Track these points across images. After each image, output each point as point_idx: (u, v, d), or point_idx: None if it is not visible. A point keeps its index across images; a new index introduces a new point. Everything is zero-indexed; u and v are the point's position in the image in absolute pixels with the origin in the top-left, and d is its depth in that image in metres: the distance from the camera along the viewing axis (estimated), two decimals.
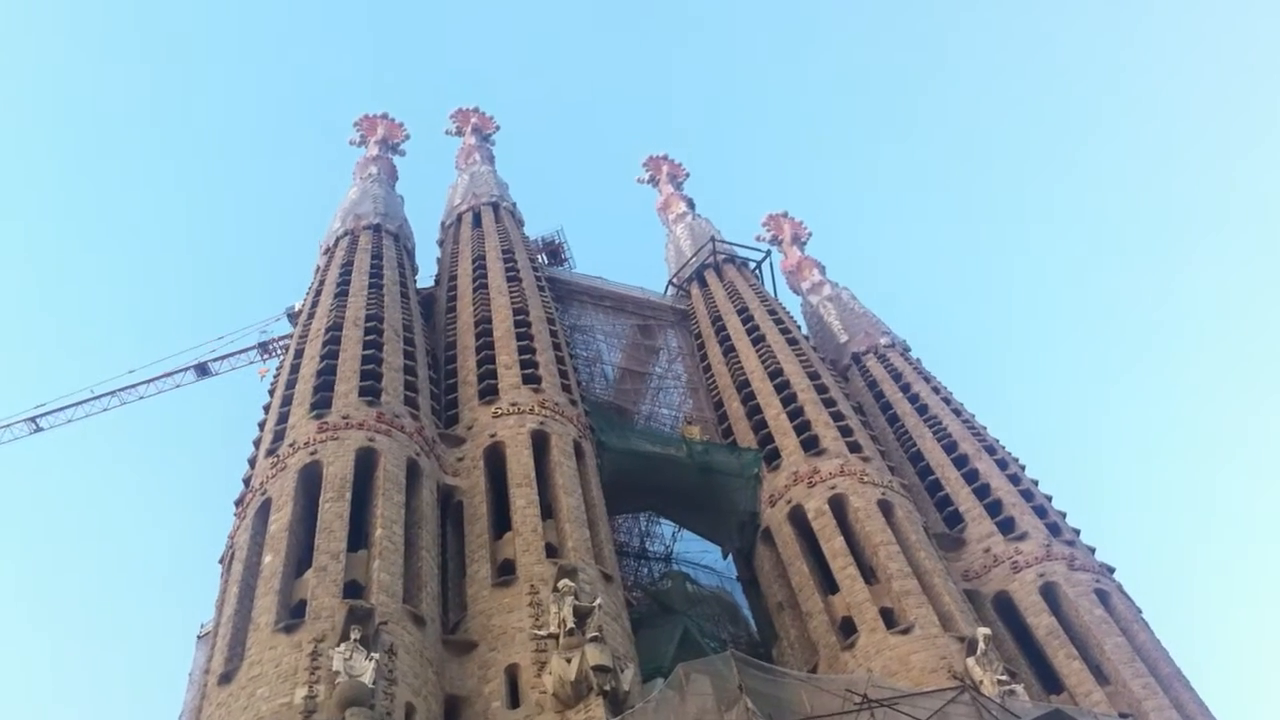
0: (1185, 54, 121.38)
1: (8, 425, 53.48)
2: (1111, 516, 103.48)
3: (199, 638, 34.66)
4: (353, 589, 25.26)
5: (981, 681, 26.49)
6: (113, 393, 53.68)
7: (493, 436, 32.44)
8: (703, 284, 49.50)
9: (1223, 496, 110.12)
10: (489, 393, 34.39)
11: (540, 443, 32.36)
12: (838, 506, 34.09)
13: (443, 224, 48.71)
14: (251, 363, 52.97)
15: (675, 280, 51.49)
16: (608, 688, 23.43)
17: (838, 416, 38.12)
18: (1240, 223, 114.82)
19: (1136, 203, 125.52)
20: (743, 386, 41.15)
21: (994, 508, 36.00)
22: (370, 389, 31.96)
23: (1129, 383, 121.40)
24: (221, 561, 29.26)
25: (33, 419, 53.46)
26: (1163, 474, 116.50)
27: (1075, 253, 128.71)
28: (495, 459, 31.87)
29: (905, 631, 29.44)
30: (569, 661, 23.95)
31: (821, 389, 39.60)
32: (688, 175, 61.53)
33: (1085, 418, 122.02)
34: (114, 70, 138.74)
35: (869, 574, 31.92)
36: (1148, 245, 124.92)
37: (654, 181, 61.11)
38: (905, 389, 43.08)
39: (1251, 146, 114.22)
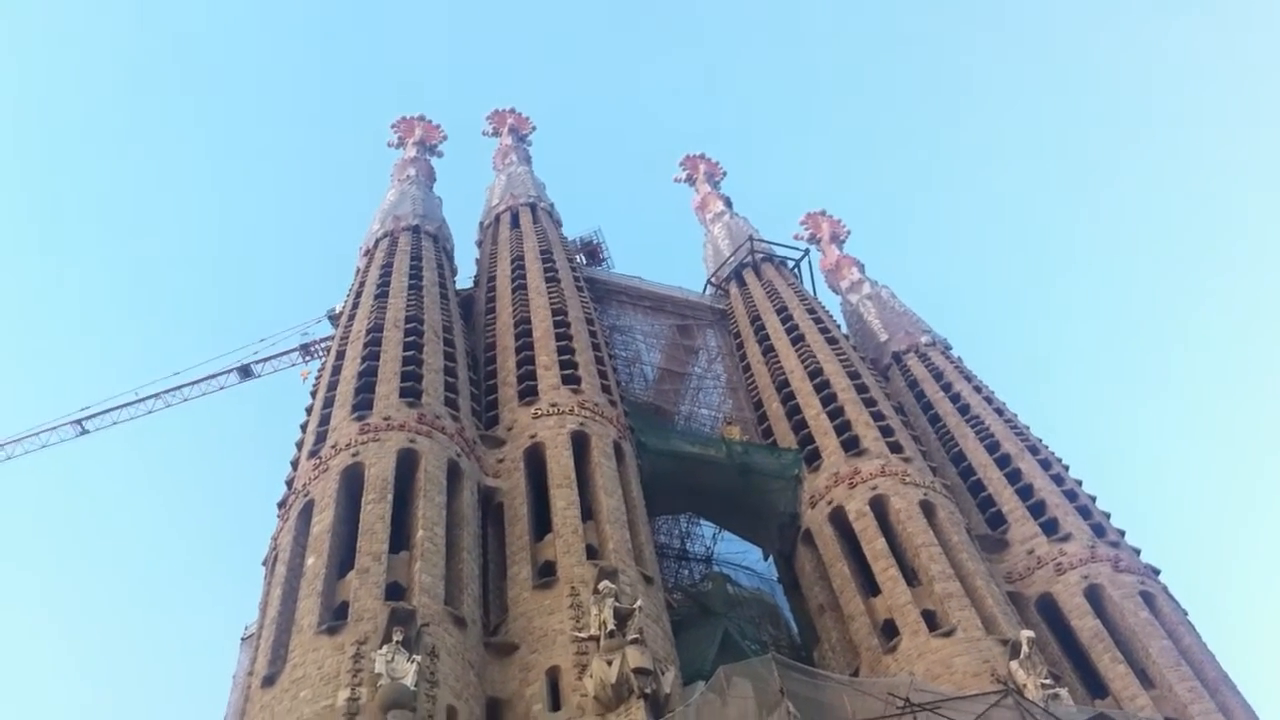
0: (1238, 43, 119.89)
1: (54, 428, 54.08)
2: (1157, 518, 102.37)
3: (243, 639, 34.94)
4: (394, 591, 25.36)
5: (1025, 685, 26.28)
6: (157, 395, 54.14)
7: (533, 437, 32.46)
8: (741, 283, 49.38)
9: (1271, 497, 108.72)
10: (529, 394, 34.41)
11: (580, 444, 32.35)
12: (879, 507, 33.89)
13: (481, 224, 48.79)
14: (294, 364, 53.27)
15: (714, 280, 51.40)
16: (649, 690, 23.36)
17: (878, 416, 37.89)
18: None
19: (1184, 198, 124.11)
20: (782, 386, 40.99)
21: (1037, 509, 35.65)
22: (411, 390, 32.09)
23: (1175, 382, 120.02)
24: (265, 563, 29.47)
25: (79, 421, 54.01)
26: (1209, 474, 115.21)
27: (1120, 249, 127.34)
28: (535, 460, 31.90)
29: (948, 634, 29.22)
30: (610, 664, 23.90)
31: (862, 389, 39.38)
32: (725, 174, 61.40)
33: (1130, 417, 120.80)
34: (157, 74, 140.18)
35: (911, 576, 31.74)
36: (1196, 240, 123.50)
37: (691, 180, 60.97)
38: (946, 388, 42.74)
39: None
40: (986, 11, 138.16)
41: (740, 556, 38.76)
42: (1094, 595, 32.46)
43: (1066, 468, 38.01)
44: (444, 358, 34.86)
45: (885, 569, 31.84)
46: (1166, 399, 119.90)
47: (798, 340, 42.71)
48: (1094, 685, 30.47)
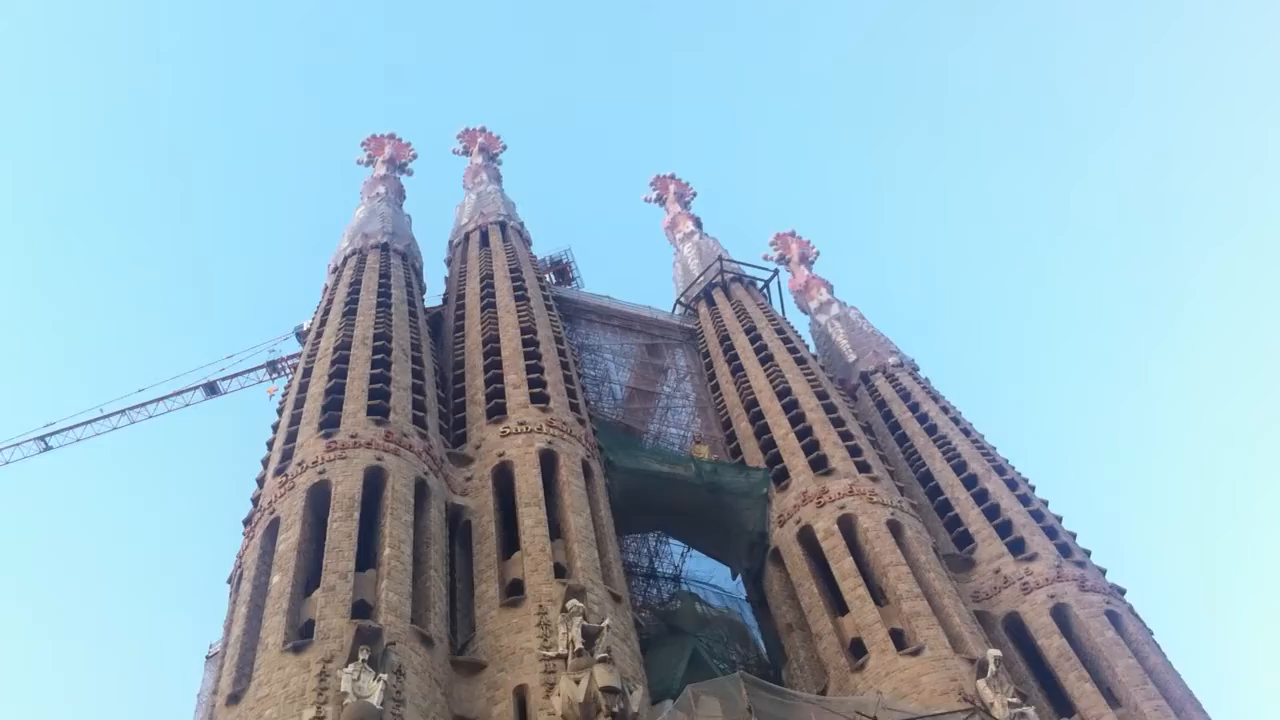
0: (1189, 62, 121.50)
1: (18, 444, 53.74)
2: (1123, 537, 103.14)
3: (208, 658, 34.72)
4: (361, 609, 25.14)
5: (992, 704, 26.37)
6: (122, 411, 53.91)
7: (501, 456, 32.32)
8: (711, 303, 49.46)
9: (1236, 517, 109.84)
10: (497, 412, 34.31)
11: (548, 462, 32.23)
12: (847, 527, 33.92)
13: (450, 243, 48.71)
14: (260, 382, 53.19)
15: (683, 299, 51.46)
16: (616, 709, 23.20)
17: (846, 436, 37.97)
18: (1257, 239, 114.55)
19: (1151, 221, 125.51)
20: (751, 406, 41.03)
21: (1004, 528, 35.79)
22: (379, 408, 31.92)
23: (1141, 402, 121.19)
24: (230, 581, 29.19)
25: (42, 438, 53.71)
26: (1175, 494, 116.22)
27: (1087, 271, 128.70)
28: (503, 478, 31.77)
29: (915, 653, 29.22)
30: (577, 683, 23.77)
31: (830, 408, 39.47)
32: (695, 194, 61.47)
33: (1096, 437, 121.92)
34: (123, 88, 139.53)
35: (879, 595, 31.75)
36: (1162, 262, 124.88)
37: (661, 200, 61.07)
38: (914, 408, 42.93)
39: (1257, 152, 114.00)
40: (960, 35, 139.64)
41: (709, 575, 38.69)
42: (1060, 614, 32.58)
43: (1033, 487, 38.22)
44: (412, 375, 34.74)
45: (853, 588, 31.84)
46: (1133, 419, 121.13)
47: (766, 360, 42.79)
48: (1060, 704, 30.52)
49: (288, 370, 48.86)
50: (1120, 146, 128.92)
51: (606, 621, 25.50)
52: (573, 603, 25.60)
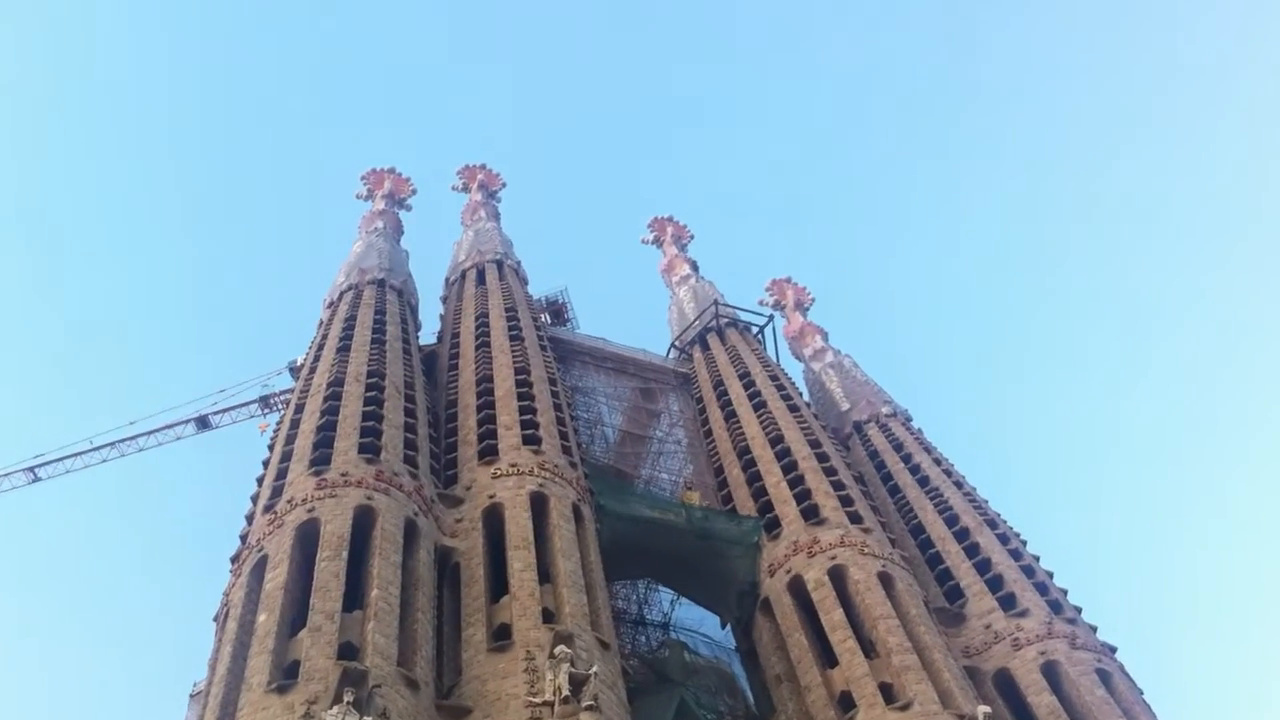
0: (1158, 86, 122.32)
1: (6, 475, 53.48)
2: (1113, 595, 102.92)
3: (191, 696, 34.36)
4: (347, 650, 24.87)
5: None
6: (112, 444, 53.70)
7: (491, 497, 32.12)
8: (705, 348, 49.40)
9: (1226, 579, 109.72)
10: (489, 453, 34.14)
11: (539, 505, 31.99)
12: (838, 578, 33.67)
13: (447, 280, 48.67)
14: (252, 417, 53.09)
15: (677, 343, 51.41)
16: None
17: (838, 486, 37.80)
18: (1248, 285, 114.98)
19: (1150, 268, 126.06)
20: (743, 453, 40.85)
21: (995, 583, 35.66)
22: (370, 446, 31.76)
23: (1133, 460, 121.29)
24: (216, 619, 28.92)
25: (31, 469, 53.42)
26: (1166, 554, 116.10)
27: (1078, 327, 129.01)
28: (494, 520, 31.53)
29: (904, 708, 28.93)
30: None
31: (823, 457, 39.32)
32: (693, 237, 61.66)
33: (1088, 493, 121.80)
34: (123, 115, 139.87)
35: (868, 647, 31.42)
36: (1152, 318, 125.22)
37: (658, 243, 61.21)
38: (907, 459, 42.83)
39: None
40: (956, 81, 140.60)
41: (698, 624, 38.35)
42: (1051, 672, 32.39)
43: (1024, 542, 38.11)
44: (405, 414, 34.56)
45: (843, 640, 31.59)
46: (1126, 478, 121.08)
47: (760, 407, 42.67)
48: None
49: (280, 406, 48.71)
50: (1131, 169, 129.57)
51: (594, 669, 25.30)
52: (560, 649, 25.44)
